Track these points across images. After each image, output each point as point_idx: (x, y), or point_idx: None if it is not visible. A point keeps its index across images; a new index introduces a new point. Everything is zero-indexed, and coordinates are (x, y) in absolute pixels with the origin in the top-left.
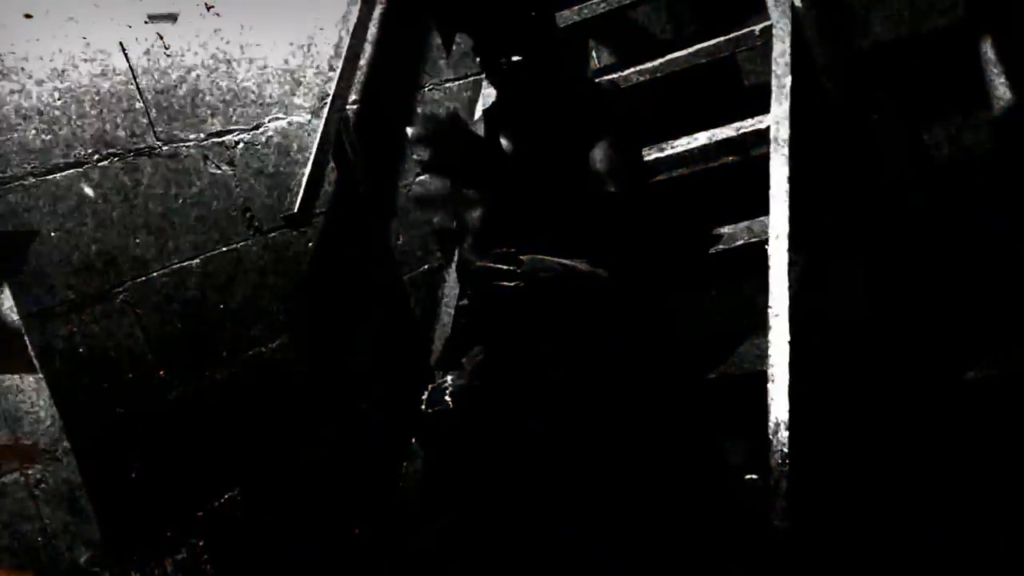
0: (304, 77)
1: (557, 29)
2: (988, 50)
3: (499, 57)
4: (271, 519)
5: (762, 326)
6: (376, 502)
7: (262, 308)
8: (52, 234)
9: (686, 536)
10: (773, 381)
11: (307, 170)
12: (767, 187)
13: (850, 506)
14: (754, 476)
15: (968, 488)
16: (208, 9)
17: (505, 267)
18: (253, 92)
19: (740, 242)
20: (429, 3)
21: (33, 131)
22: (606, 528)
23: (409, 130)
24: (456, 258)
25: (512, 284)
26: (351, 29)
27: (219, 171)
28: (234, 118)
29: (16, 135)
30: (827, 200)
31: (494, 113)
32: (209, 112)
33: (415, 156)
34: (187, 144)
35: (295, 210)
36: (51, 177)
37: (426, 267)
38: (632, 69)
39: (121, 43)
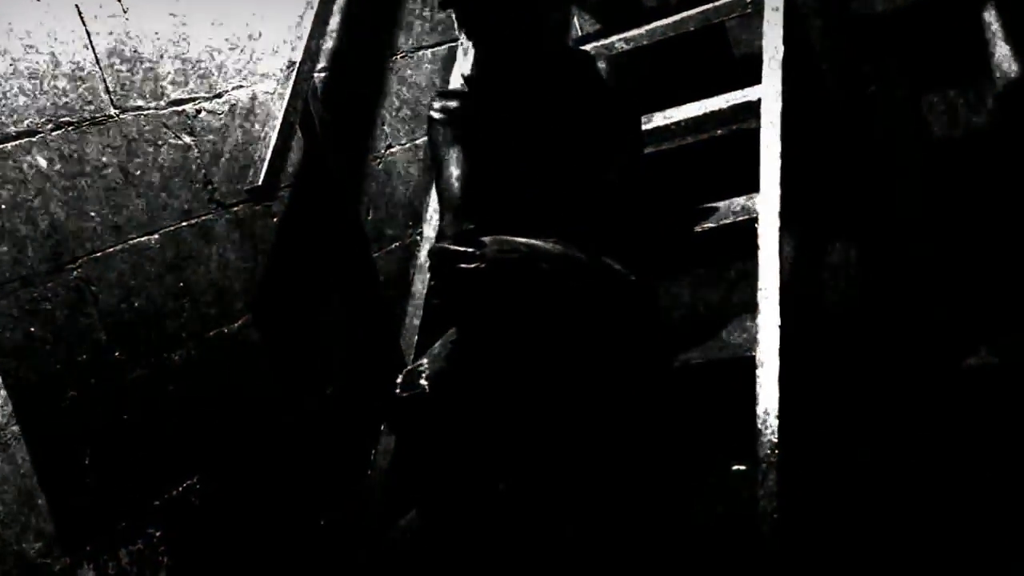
0: (269, 42)
1: None
2: (991, 20)
3: (482, 23)
4: (232, 509)
5: (751, 309)
6: (343, 491)
7: (224, 286)
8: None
9: (672, 529)
10: (762, 367)
11: (272, 140)
12: (758, 163)
13: (842, 497)
14: (742, 467)
15: (965, 479)
16: None
17: (466, 249)
18: (214, 58)
19: (728, 220)
20: None
21: None
22: (586, 520)
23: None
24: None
25: (473, 266)
26: None
27: (179, 141)
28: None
29: None
30: (821, 176)
31: (476, 82)
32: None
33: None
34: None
35: (259, 182)
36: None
37: (398, 243)
38: (616, 37)
39: (77, 6)
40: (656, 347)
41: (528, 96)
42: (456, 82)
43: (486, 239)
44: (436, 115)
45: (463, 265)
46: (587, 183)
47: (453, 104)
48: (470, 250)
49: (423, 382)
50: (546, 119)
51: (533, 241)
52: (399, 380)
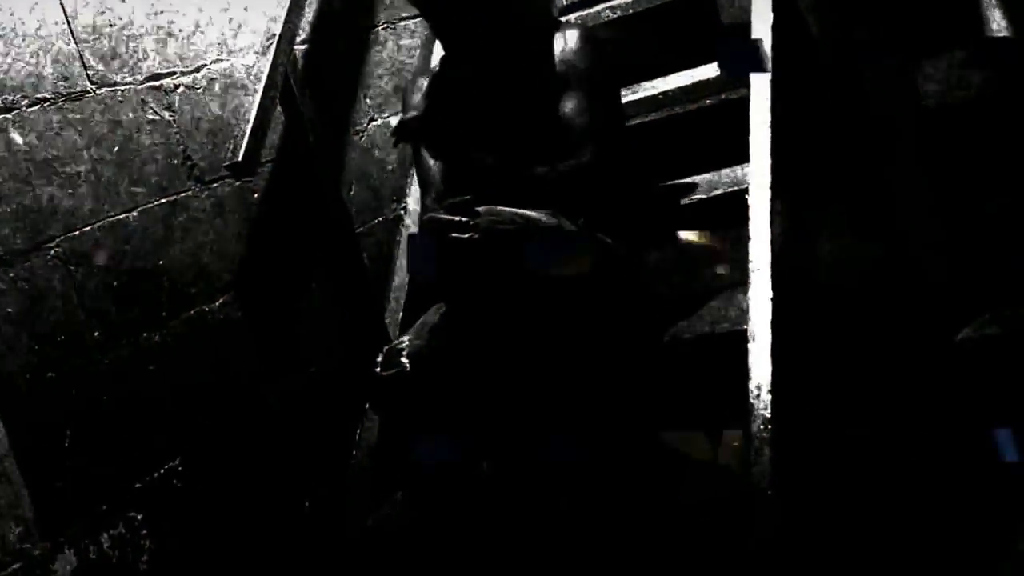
0: (249, 15)
1: None
2: None
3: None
4: (215, 491)
5: (742, 282)
6: (329, 472)
7: (205, 264)
8: None
9: (664, 509)
10: (754, 341)
11: (252, 115)
12: (748, 133)
13: (837, 472)
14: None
15: (962, 453)
16: None
17: (459, 218)
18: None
19: (718, 191)
20: None
21: None
22: (573, 501)
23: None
24: (419, 209)
25: (467, 236)
26: None
27: (158, 117)
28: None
29: None
30: (813, 146)
31: (453, 59)
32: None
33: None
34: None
35: (239, 158)
36: None
37: (381, 219)
38: (602, 5)
39: None
40: (645, 320)
41: (506, 72)
42: (439, 54)
43: (480, 208)
44: (416, 92)
45: (456, 235)
46: (570, 157)
47: (433, 81)
48: (464, 219)
49: (403, 360)
50: (525, 94)
51: (526, 211)
52: (379, 359)
